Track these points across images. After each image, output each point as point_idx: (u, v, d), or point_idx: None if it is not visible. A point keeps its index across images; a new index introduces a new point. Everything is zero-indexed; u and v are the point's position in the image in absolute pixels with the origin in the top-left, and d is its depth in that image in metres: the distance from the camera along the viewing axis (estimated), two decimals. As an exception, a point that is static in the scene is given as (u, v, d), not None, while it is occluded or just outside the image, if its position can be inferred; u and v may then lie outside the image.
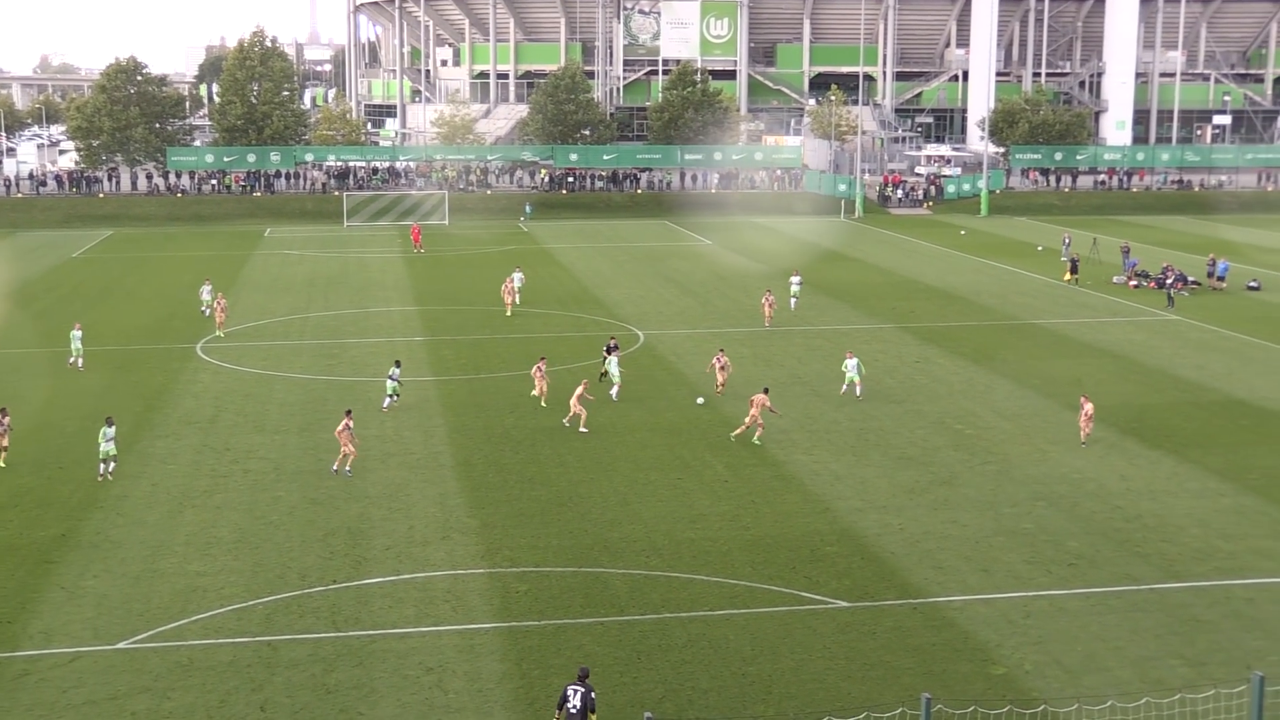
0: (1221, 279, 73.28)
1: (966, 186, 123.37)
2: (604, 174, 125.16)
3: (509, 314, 62.59)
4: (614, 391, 46.09)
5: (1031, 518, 34.11)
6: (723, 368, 47.11)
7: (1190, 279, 72.23)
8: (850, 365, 46.66)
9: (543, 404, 45.01)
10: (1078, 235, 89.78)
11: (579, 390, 42.47)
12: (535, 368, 46.36)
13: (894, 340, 57.72)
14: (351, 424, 37.79)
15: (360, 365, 52.42)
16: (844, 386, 46.78)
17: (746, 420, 40.90)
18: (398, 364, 46.07)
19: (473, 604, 28.38)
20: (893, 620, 27.54)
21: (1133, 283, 73.52)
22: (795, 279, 63.92)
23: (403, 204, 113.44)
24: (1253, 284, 73.24)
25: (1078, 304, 67.99)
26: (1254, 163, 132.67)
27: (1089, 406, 40.87)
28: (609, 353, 48.00)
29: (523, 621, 27.40)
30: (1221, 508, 34.90)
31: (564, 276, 77.24)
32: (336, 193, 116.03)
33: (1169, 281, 69.43)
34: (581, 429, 41.86)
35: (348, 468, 37.33)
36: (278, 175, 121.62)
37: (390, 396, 44.61)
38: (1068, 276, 74.89)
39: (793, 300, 61.93)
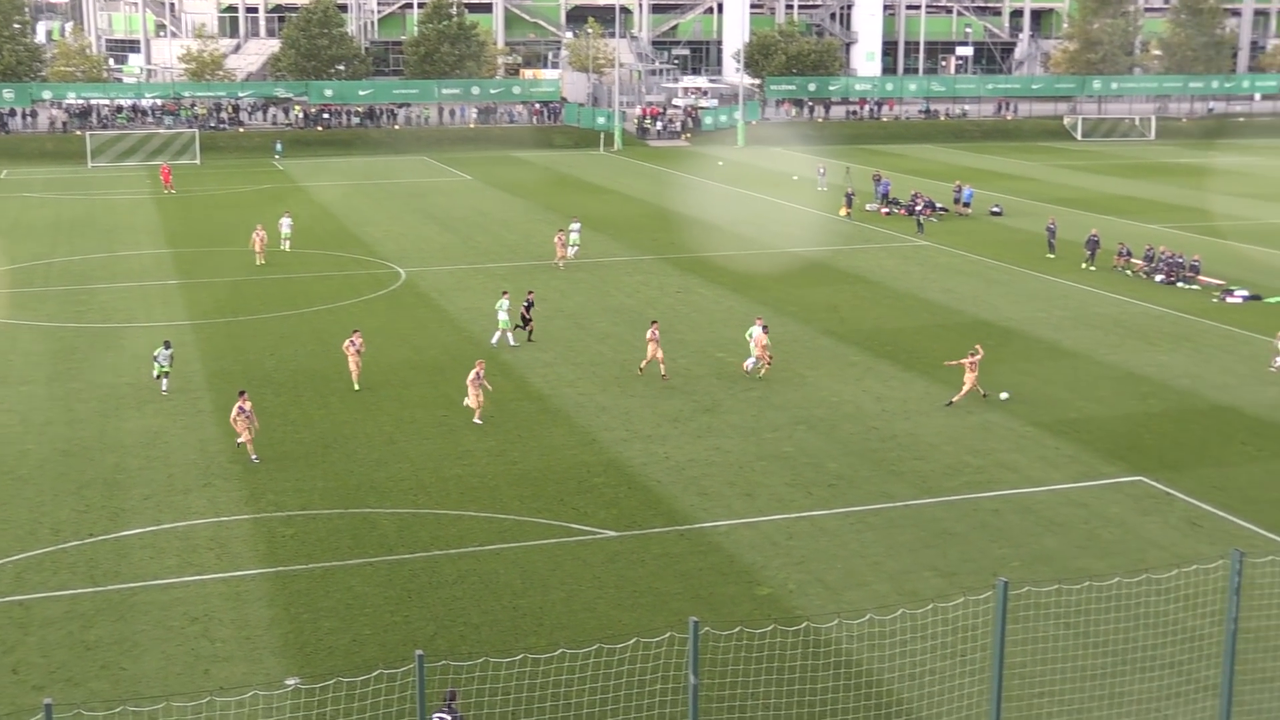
0: (967, 205, 76.03)
1: (723, 118, 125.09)
2: (360, 110, 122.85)
3: (260, 263, 60.12)
4: (499, 336, 44.36)
5: (792, 441, 35.05)
6: (655, 340, 40.76)
7: (938, 205, 74.72)
8: (755, 333, 40.91)
9: (356, 387, 39.62)
10: (832, 165, 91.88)
11: (476, 371, 36.61)
12: (348, 342, 40.01)
13: (655, 271, 58.32)
14: (246, 405, 33.30)
15: (111, 311, 50.55)
16: (749, 361, 41.03)
17: (764, 368, 40.64)
18: (167, 344, 40.39)
19: (237, 551, 27.84)
20: (660, 547, 28.02)
21: (884, 210, 75.77)
22: (575, 225, 63.49)
23: (151, 143, 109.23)
24: (995, 209, 76.17)
25: (832, 232, 69.71)
26: (994, 92, 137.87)
27: (968, 363, 37.96)
28: (528, 309, 45.64)
29: (290, 566, 27.02)
30: (970, 425, 36.43)
31: (322, 215, 75.69)
32: (79, 132, 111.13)
33: (918, 208, 71.78)
34: (476, 420, 36.46)
35: (254, 456, 33.33)
36: (12, 114, 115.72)
37: (162, 376, 39.79)
38: (844, 211, 75.35)
39: (572, 249, 61.37)
